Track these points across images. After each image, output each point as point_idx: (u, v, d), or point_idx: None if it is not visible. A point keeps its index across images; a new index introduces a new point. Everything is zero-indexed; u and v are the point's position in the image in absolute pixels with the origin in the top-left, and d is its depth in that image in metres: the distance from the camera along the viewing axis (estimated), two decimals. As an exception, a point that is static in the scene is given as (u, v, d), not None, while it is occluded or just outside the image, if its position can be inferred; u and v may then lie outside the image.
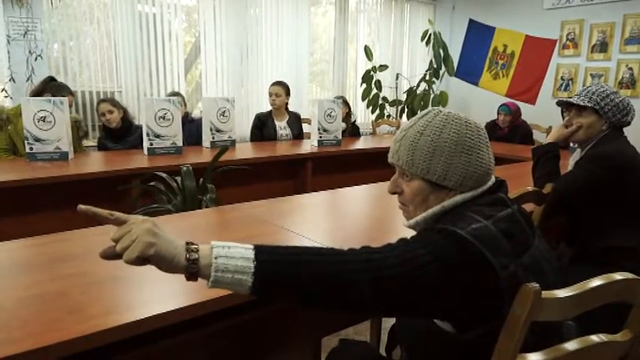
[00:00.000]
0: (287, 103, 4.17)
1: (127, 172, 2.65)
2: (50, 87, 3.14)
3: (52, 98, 2.77)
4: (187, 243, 0.80)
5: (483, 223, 0.88)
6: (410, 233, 0.95)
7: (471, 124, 0.98)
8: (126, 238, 0.77)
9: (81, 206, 0.82)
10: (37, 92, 3.13)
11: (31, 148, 2.75)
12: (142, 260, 0.77)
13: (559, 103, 1.94)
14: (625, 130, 1.86)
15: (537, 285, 0.81)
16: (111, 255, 0.79)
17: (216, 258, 0.79)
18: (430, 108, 1.04)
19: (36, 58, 3.81)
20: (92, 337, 0.89)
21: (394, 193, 1.06)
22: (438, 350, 0.96)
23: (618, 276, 0.90)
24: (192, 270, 0.79)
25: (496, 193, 0.98)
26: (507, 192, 1.02)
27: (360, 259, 0.83)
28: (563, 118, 1.95)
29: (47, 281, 1.13)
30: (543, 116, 4.77)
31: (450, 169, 0.95)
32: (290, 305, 0.86)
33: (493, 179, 1.01)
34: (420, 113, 1.03)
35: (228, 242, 0.82)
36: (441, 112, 1.00)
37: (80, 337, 0.88)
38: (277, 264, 0.81)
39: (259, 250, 0.81)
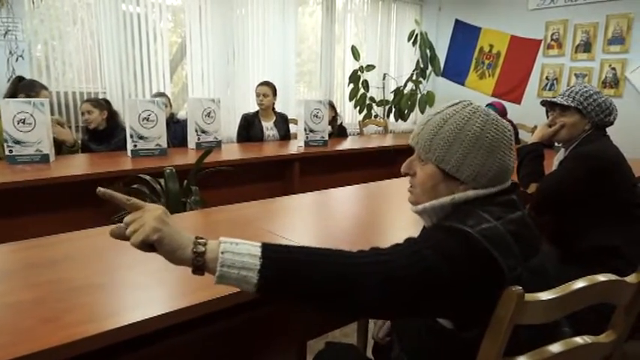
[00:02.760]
0: (274, 104, 4.14)
1: (109, 175, 2.60)
2: (22, 87, 3.05)
3: (33, 100, 2.72)
4: (196, 237, 0.81)
5: (493, 224, 0.87)
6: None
7: (498, 123, 0.96)
8: (136, 222, 0.80)
9: (100, 189, 0.84)
10: (10, 95, 3.04)
11: (11, 151, 2.69)
12: (147, 245, 0.80)
13: (543, 103, 1.95)
14: (608, 130, 1.88)
15: (521, 288, 0.80)
16: (119, 235, 0.83)
17: (222, 253, 0.79)
18: (461, 99, 1.02)
19: (17, 59, 3.73)
20: (67, 347, 0.86)
21: (406, 174, 1.05)
22: (437, 348, 0.96)
23: (601, 277, 0.90)
24: (198, 263, 0.79)
25: (509, 195, 0.97)
26: (519, 195, 1.01)
27: (369, 260, 0.83)
28: (548, 118, 1.96)
29: (22, 289, 1.09)
30: (529, 116, 4.80)
31: (465, 162, 0.94)
32: (293, 306, 0.85)
33: (509, 182, 0.99)
34: (450, 102, 1.02)
35: (237, 239, 0.82)
36: (470, 104, 0.99)
37: (54, 348, 0.85)
38: (284, 262, 0.80)
39: (267, 247, 0.81)
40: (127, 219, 0.82)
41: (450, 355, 0.93)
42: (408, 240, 0.90)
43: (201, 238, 0.81)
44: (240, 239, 0.82)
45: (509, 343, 0.83)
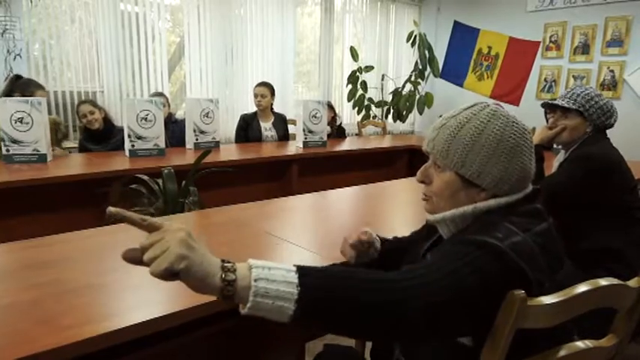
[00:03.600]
0: (272, 104, 4.14)
1: (107, 175, 2.59)
2: (17, 85, 3.05)
3: (30, 99, 2.71)
4: (223, 261, 0.72)
5: (522, 237, 0.83)
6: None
7: (518, 125, 0.92)
8: (157, 247, 0.69)
9: (111, 209, 0.72)
10: (6, 93, 3.03)
11: (8, 150, 2.68)
12: (169, 274, 0.68)
13: (544, 105, 1.95)
14: (607, 132, 1.87)
15: (523, 292, 0.80)
16: (134, 260, 0.70)
17: (255, 280, 0.71)
18: (477, 101, 0.98)
19: (15, 58, 3.72)
20: (64, 349, 0.85)
21: (422, 182, 1.00)
22: (442, 355, 0.93)
23: (603, 281, 0.89)
24: (228, 293, 0.70)
25: (532, 203, 0.93)
26: (543, 203, 0.96)
27: (408, 284, 0.77)
28: (547, 120, 1.95)
29: (18, 290, 1.08)
30: (527, 117, 4.74)
31: (487, 168, 0.89)
32: (327, 332, 0.79)
33: (530, 187, 0.95)
34: (464, 105, 0.97)
35: (267, 262, 0.74)
36: (488, 106, 0.94)
37: (51, 350, 0.84)
38: (323, 291, 0.73)
39: (303, 273, 0.73)
40: (144, 242, 0.70)
41: None
42: (436, 253, 0.85)
43: (228, 262, 0.72)
44: (271, 262, 0.74)
45: (525, 353, 0.82)
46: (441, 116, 1.01)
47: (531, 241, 0.83)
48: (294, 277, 0.72)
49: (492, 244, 0.81)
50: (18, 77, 3.19)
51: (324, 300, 0.73)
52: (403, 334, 0.79)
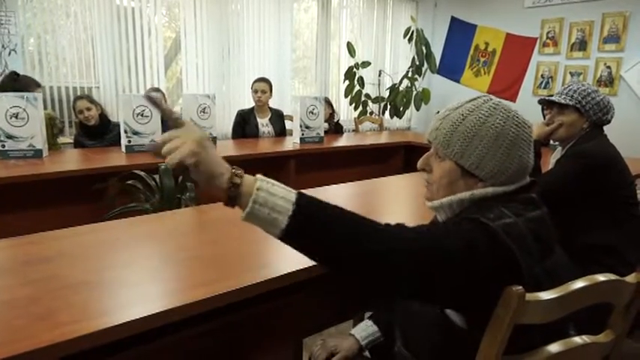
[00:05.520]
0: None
1: (103, 170, 2.58)
2: (16, 82, 3.03)
3: (25, 94, 2.69)
4: (233, 168, 0.81)
5: (514, 220, 0.86)
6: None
7: (519, 119, 0.95)
8: (174, 142, 0.79)
9: (152, 94, 0.87)
10: (2, 90, 3.01)
11: (3, 146, 2.66)
12: (182, 166, 0.78)
13: (541, 102, 1.95)
14: (605, 128, 1.88)
15: (521, 287, 0.80)
16: (156, 150, 0.81)
17: (258, 189, 0.78)
18: (481, 94, 1.01)
19: (10, 53, 3.69)
20: (61, 345, 0.85)
21: (423, 170, 1.04)
22: (444, 344, 0.95)
23: (601, 277, 0.89)
24: (232, 194, 0.79)
25: (528, 193, 0.96)
26: (538, 193, 1.00)
27: (397, 237, 0.82)
28: (544, 116, 1.96)
29: (16, 286, 1.07)
30: (524, 113, 4.74)
31: (485, 159, 0.92)
32: (314, 260, 0.83)
33: (527, 179, 0.98)
34: (468, 97, 1.00)
35: (273, 180, 0.81)
36: (491, 99, 0.97)
37: (48, 346, 0.84)
38: (317, 212, 0.79)
39: (301, 195, 0.80)
40: (165, 135, 0.80)
41: (456, 352, 0.92)
42: (433, 226, 0.89)
43: (239, 170, 0.81)
44: (277, 182, 0.81)
45: (521, 347, 0.83)
46: (437, 111, 1.03)
47: (523, 225, 0.86)
48: (292, 197, 0.79)
49: (483, 222, 0.84)
50: (16, 74, 3.17)
51: (317, 221, 0.79)
52: (382, 278, 0.82)
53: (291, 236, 0.79)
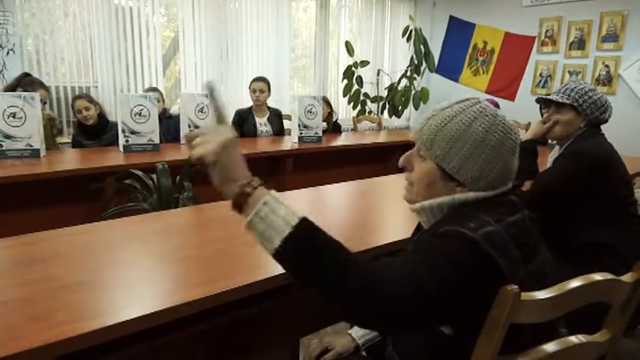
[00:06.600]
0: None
1: (101, 170, 2.58)
2: (23, 83, 3.09)
3: (23, 94, 2.68)
4: (251, 178, 0.84)
5: (495, 227, 0.84)
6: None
7: (506, 125, 0.92)
8: (203, 138, 0.85)
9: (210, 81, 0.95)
10: (11, 88, 3.07)
11: (1, 145, 2.65)
12: (201, 162, 0.83)
13: (538, 100, 1.95)
14: (603, 127, 1.88)
15: (517, 287, 0.80)
16: (189, 138, 0.87)
17: (264, 203, 0.81)
18: (471, 96, 0.99)
19: (8, 53, 3.69)
20: (56, 345, 0.85)
21: (403, 167, 1.02)
22: (432, 350, 0.94)
23: (597, 276, 0.89)
24: (239, 201, 0.82)
25: (507, 196, 0.94)
26: (518, 195, 0.98)
27: (383, 274, 0.79)
28: (542, 115, 1.95)
29: (11, 287, 1.07)
30: (522, 112, 4.80)
31: (467, 165, 0.91)
32: (302, 285, 0.84)
33: (510, 185, 0.96)
34: (458, 98, 0.98)
35: (283, 201, 0.83)
36: (479, 103, 0.95)
37: (43, 346, 0.83)
38: (311, 242, 0.80)
39: (304, 221, 0.80)
40: (202, 129, 0.87)
41: (442, 358, 0.92)
42: (417, 245, 0.88)
43: (255, 181, 0.83)
44: (285, 203, 0.82)
45: (510, 345, 0.83)
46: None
47: (504, 231, 0.85)
48: (293, 220, 0.79)
49: (465, 235, 0.83)
50: (27, 75, 3.25)
51: (306, 254, 0.79)
52: (369, 321, 0.82)
53: (283, 257, 0.80)
